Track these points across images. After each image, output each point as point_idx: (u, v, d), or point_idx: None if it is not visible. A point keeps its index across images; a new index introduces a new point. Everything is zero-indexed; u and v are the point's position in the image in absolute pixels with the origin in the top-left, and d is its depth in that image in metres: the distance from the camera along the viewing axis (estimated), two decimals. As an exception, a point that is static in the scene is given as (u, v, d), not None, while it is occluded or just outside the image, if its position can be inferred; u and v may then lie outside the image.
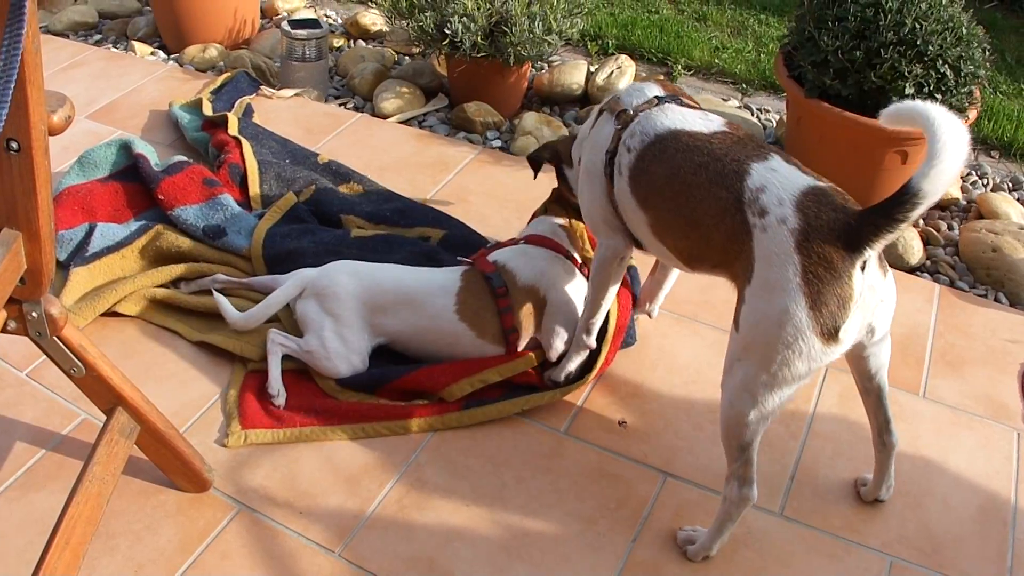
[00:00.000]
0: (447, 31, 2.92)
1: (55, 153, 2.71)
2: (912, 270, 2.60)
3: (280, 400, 2.00)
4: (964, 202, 2.93)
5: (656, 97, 1.79)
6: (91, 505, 1.51)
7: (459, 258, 2.20)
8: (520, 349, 2.07)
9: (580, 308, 2.09)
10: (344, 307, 2.04)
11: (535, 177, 2.27)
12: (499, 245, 2.21)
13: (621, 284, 2.07)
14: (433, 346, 2.07)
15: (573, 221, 2.21)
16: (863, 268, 1.44)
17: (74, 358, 1.53)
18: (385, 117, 3.16)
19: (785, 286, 1.44)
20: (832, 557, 1.77)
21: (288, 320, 2.17)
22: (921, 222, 2.79)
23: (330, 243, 2.35)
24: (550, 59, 3.48)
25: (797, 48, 2.61)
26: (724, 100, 3.42)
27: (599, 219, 1.90)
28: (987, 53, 2.53)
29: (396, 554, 1.73)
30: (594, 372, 2.07)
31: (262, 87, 3.22)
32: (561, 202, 2.26)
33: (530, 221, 2.28)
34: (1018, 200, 2.90)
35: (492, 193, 2.75)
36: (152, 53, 3.54)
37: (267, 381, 2.02)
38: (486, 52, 2.95)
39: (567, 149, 2.12)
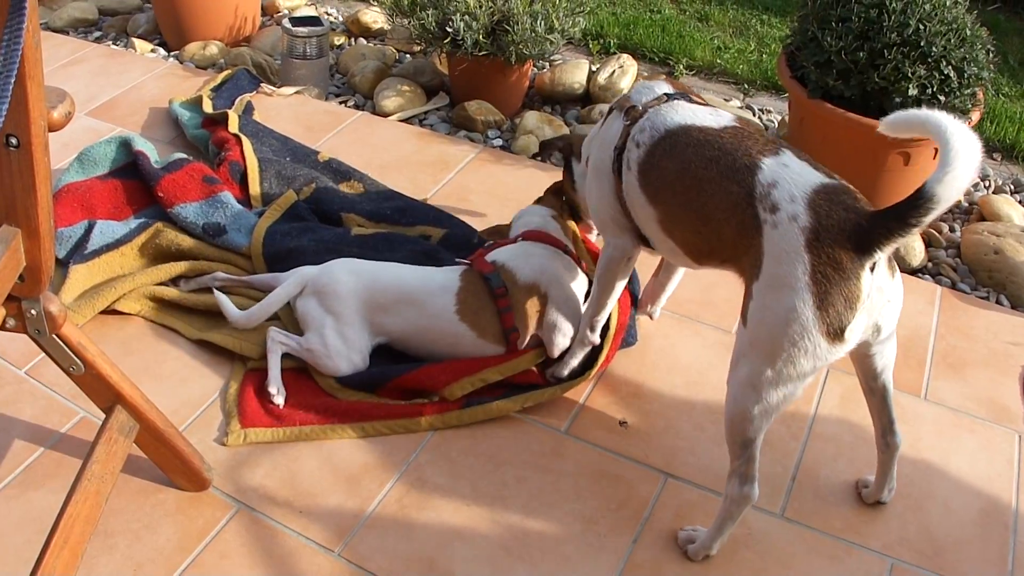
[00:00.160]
0: (449, 29, 2.92)
1: (55, 150, 2.70)
2: (914, 272, 2.60)
3: (279, 399, 1.99)
4: (966, 204, 2.92)
5: (666, 94, 1.78)
6: (90, 504, 1.50)
7: (457, 259, 2.19)
8: (521, 348, 2.06)
9: (581, 304, 2.09)
10: (345, 305, 2.04)
11: (541, 160, 2.26)
12: (496, 244, 2.21)
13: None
14: (434, 345, 2.06)
15: (566, 217, 2.23)
16: (872, 269, 1.44)
17: (73, 356, 1.52)
18: (386, 115, 3.15)
19: (793, 284, 1.44)
20: (833, 559, 1.77)
21: (288, 318, 2.17)
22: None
23: (330, 241, 2.34)
24: (552, 58, 3.47)
25: (800, 48, 2.60)
26: (726, 100, 3.42)
27: (607, 217, 1.90)
28: (990, 55, 2.52)
29: (396, 554, 1.72)
30: (595, 369, 2.06)
31: (263, 84, 3.21)
32: (558, 195, 2.27)
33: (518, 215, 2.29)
34: (1020, 202, 2.90)
35: (493, 192, 2.74)
36: (152, 50, 3.53)
37: (267, 379, 2.01)
38: (488, 50, 2.95)
39: (579, 143, 2.13)
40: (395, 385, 2.01)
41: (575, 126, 3.14)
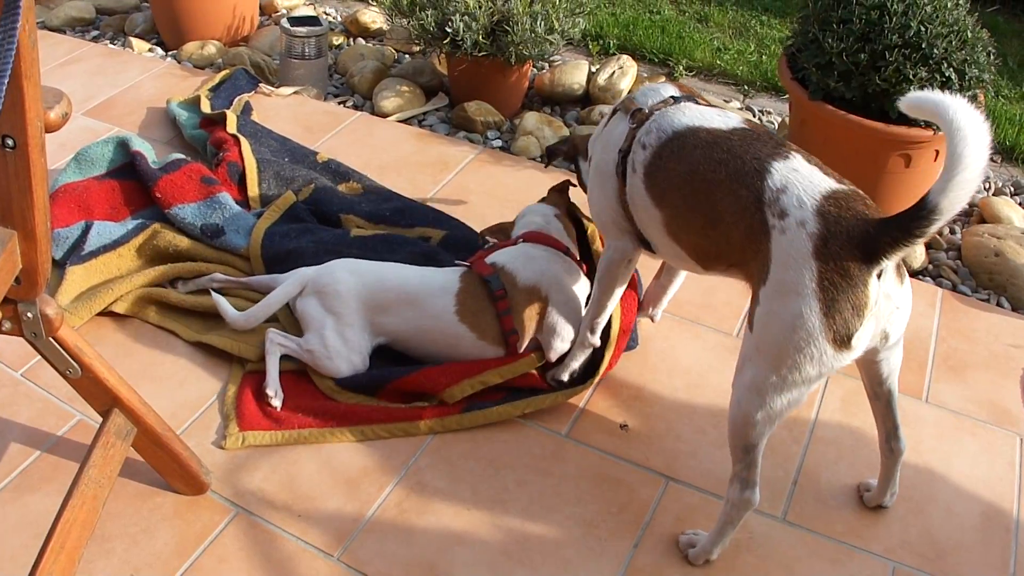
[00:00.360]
0: (448, 29, 2.91)
1: (51, 150, 2.70)
2: (915, 274, 2.59)
3: (277, 401, 1.97)
4: (966, 206, 2.91)
5: (672, 97, 1.77)
6: (87, 509, 1.49)
7: (456, 261, 2.18)
8: (521, 350, 2.05)
9: (582, 308, 2.08)
10: (345, 305, 2.02)
11: (546, 166, 2.25)
12: (497, 245, 2.19)
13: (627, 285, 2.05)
14: (434, 346, 2.05)
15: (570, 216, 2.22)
16: (879, 276, 1.43)
17: (70, 359, 1.50)
18: (385, 116, 3.14)
19: (800, 290, 1.43)
20: (835, 562, 1.76)
21: (287, 319, 2.15)
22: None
23: (329, 243, 2.33)
24: (551, 59, 3.46)
25: (801, 50, 2.59)
26: (726, 102, 3.41)
27: (608, 220, 1.88)
28: (991, 57, 2.51)
29: (396, 558, 1.71)
30: (598, 375, 2.05)
31: (261, 85, 3.20)
32: (563, 193, 2.26)
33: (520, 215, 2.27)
34: (1020, 204, 2.89)
35: (493, 193, 2.73)
36: (150, 50, 3.51)
37: (264, 381, 2.00)
38: (487, 51, 2.93)
39: (584, 143, 2.11)
40: (394, 387, 2.00)
41: (575, 127, 3.13)
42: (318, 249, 2.29)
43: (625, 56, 3.44)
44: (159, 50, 3.52)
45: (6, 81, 1.01)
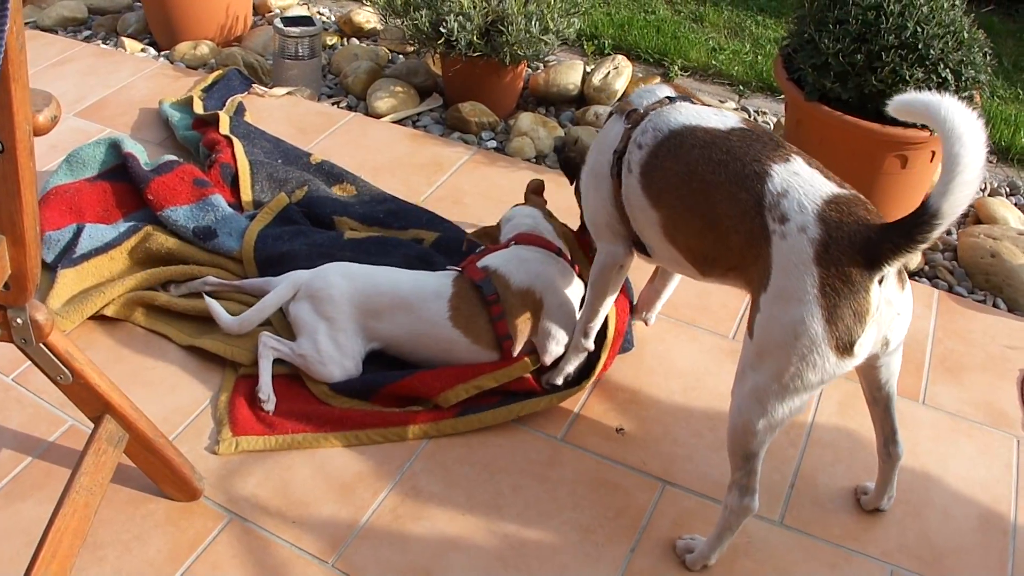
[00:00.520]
0: (442, 30, 2.89)
1: (42, 152, 2.68)
2: (911, 275, 2.58)
3: (270, 405, 1.96)
4: (962, 206, 2.90)
5: (667, 97, 1.75)
6: (78, 517, 1.47)
7: (448, 266, 2.16)
8: (516, 354, 2.03)
9: (576, 310, 2.07)
10: (338, 310, 2.01)
11: (572, 183, 2.15)
12: (489, 249, 2.18)
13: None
14: (428, 351, 2.03)
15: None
16: (881, 282, 1.41)
17: (61, 365, 1.49)
18: (379, 117, 3.12)
19: (802, 297, 1.41)
20: (832, 566, 1.75)
21: (280, 323, 2.14)
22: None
23: (323, 245, 2.31)
24: (546, 59, 3.44)
25: (797, 50, 2.58)
26: (721, 102, 3.40)
27: (602, 223, 1.86)
28: (988, 58, 2.51)
29: (390, 564, 1.70)
30: (592, 377, 2.04)
31: (254, 85, 3.18)
32: (539, 193, 2.26)
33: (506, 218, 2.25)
34: (1016, 205, 2.88)
35: (487, 195, 2.72)
36: (142, 50, 3.49)
37: (258, 386, 1.98)
38: (482, 51, 2.92)
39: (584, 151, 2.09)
40: (389, 392, 1.99)
41: (570, 128, 3.11)
42: (311, 252, 2.28)
43: (620, 56, 3.43)
44: (152, 50, 3.50)
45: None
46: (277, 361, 2.03)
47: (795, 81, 2.60)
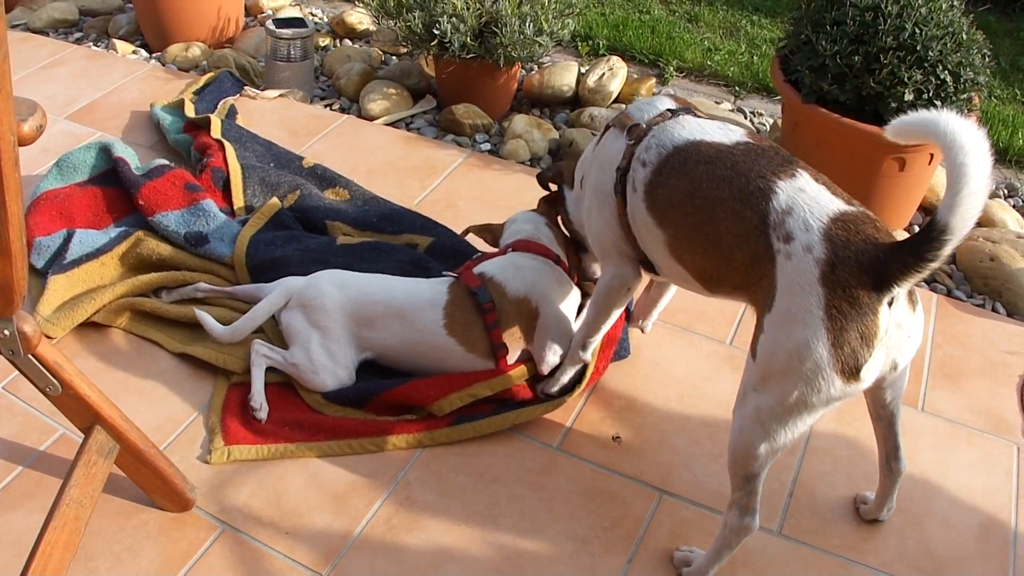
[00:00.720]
0: (436, 31, 2.87)
1: (33, 156, 2.66)
2: (908, 278, 2.56)
3: (262, 414, 1.94)
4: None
5: (669, 110, 1.71)
6: (69, 530, 1.45)
7: (444, 272, 2.14)
8: (511, 363, 2.01)
9: (573, 319, 2.04)
10: (331, 319, 1.98)
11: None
12: (485, 256, 2.15)
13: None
14: (422, 360, 2.01)
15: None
16: (891, 304, 1.37)
17: (50, 376, 1.47)
18: (372, 119, 3.10)
19: (807, 319, 1.37)
20: (831, 577, 1.74)
21: (273, 331, 2.11)
22: (917, 229, 2.76)
23: (316, 251, 2.29)
24: (540, 60, 3.42)
25: (794, 52, 2.56)
26: (717, 103, 3.38)
27: (609, 243, 1.82)
28: (986, 59, 2.49)
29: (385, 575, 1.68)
30: (584, 383, 2.02)
31: (246, 87, 3.15)
32: (553, 205, 2.21)
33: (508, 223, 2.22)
34: (1015, 207, 2.87)
35: (481, 198, 2.70)
36: (134, 52, 3.46)
37: (250, 394, 1.96)
38: (475, 53, 2.90)
39: (570, 169, 2.05)
40: (382, 400, 1.96)
41: (564, 129, 3.09)
42: (304, 257, 2.25)
43: (615, 57, 3.41)
44: (143, 52, 3.47)
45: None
46: (270, 369, 2.01)
47: (792, 83, 2.58)
